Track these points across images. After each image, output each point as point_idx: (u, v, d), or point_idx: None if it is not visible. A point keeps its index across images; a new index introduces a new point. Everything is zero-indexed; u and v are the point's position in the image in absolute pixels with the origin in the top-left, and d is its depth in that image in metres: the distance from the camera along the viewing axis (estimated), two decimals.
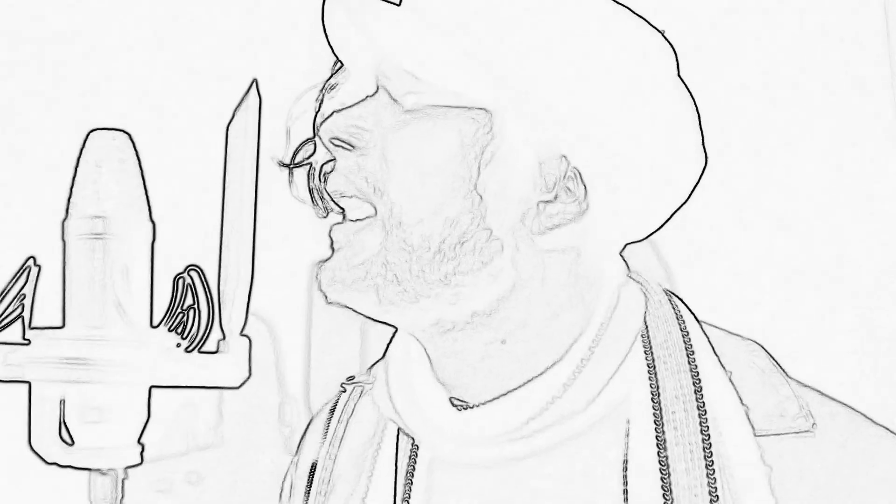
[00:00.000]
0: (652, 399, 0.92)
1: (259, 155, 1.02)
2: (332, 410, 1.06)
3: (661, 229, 1.00)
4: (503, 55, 0.91)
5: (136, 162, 1.01)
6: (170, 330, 0.99)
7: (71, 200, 1.00)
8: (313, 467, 1.03)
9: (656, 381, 0.92)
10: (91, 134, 1.01)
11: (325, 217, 0.99)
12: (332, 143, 0.94)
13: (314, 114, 0.99)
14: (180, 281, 0.99)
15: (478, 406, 0.93)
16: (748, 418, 0.92)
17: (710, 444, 0.90)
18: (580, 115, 0.91)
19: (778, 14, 1.30)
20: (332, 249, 0.94)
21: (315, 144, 1.00)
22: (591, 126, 0.91)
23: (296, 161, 1.01)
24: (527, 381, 0.93)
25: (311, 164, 1.01)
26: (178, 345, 0.99)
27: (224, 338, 1.00)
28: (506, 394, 0.93)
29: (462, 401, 0.95)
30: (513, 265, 0.91)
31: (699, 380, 0.93)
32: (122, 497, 1.00)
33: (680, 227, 1.02)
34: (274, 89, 1.15)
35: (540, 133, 0.90)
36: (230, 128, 1.03)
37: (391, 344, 1.01)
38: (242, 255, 1.01)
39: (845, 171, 1.28)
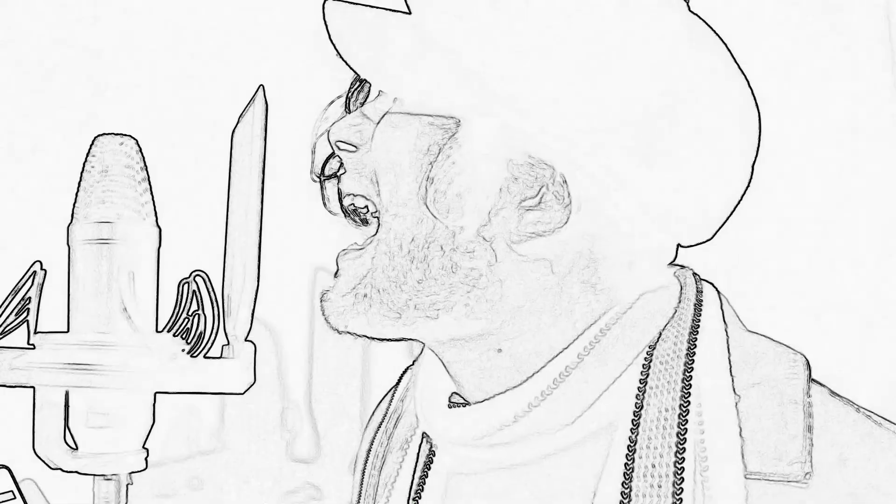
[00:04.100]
0: (633, 422, 0.87)
1: (265, 161, 1.02)
2: (395, 390, 1.06)
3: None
4: (469, 64, 0.90)
5: (143, 167, 1.01)
6: (175, 335, 0.98)
7: (77, 205, 1.00)
8: (372, 441, 1.04)
9: (641, 402, 0.87)
10: (98, 138, 1.01)
11: (365, 226, 0.99)
12: (339, 147, 0.95)
13: None
14: (185, 286, 0.99)
15: (469, 406, 0.93)
16: (742, 455, 0.85)
17: (683, 479, 0.84)
18: (558, 123, 0.88)
19: (779, 12, 1.30)
20: (335, 277, 0.95)
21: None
22: (572, 134, 0.88)
23: (324, 174, 1.02)
24: (513, 386, 0.91)
25: (339, 177, 1.01)
26: (184, 350, 0.98)
27: (229, 343, 1.00)
28: (492, 397, 0.92)
29: (464, 399, 0.94)
30: (492, 273, 0.89)
31: (688, 402, 0.87)
32: (126, 502, 1.00)
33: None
34: (280, 95, 1.15)
35: (513, 141, 0.89)
36: (236, 134, 1.03)
37: None
38: (248, 261, 1.01)
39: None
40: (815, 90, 1.29)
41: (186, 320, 0.98)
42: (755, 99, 0.93)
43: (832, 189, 1.28)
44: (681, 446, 0.85)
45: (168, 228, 1.03)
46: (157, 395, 1.00)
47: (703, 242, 0.95)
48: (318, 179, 1.01)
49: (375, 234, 0.93)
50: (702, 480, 0.84)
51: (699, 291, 0.93)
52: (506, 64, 0.89)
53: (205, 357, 0.99)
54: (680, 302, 0.92)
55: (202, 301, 0.99)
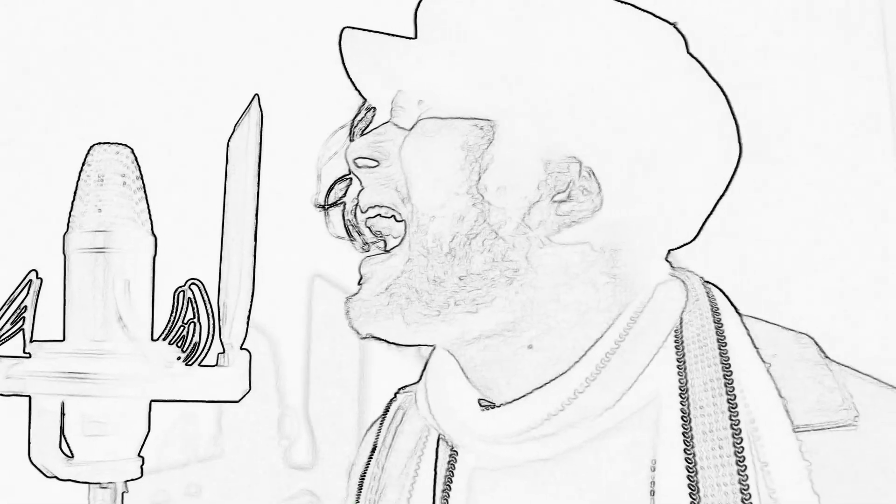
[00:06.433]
0: (680, 394, 0.93)
1: (260, 169, 1.03)
2: (383, 419, 1.09)
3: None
4: (501, 72, 0.95)
5: (138, 175, 1.01)
6: (170, 343, 0.99)
7: (72, 214, 1.00)
8: (363, 475, 1.06)
9: (685, 376, 0.93)
10: (93, 147, 1.01)
11: (366, 251, 1.01)
12: (357, 164, 0.99)
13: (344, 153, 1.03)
14: (181, 294, 0.99)
15: (503, 405, 0.95)
16: (787, 412, 0.91)
17: (742, 438, 0.90)
18: (583, 118, 0.94)
19: (774, 11, 1.30)
20: (360, 284, 0.97)
21: (348, 182, 1.05)
22: (595, 128, 0.94)
23: (329, 200, 1.04)
24: (551, 379, 0.94)
25: (344, 202, 1.03)
26: (179, 358, 0.99)
27: (224, 351, 1.00)
28: (530, 392, 0.95)
29: (490, 402, 0.97)
30: (529, 265, 0.93)
31: (730, 372, 0.93)
32: None
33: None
34: (275, 105, 1.15)
35: (544, 138, 0.94)
36: (231, 142, 1.03)
37: (432, 353, 1.04)
38: (243, 269, 1.01)
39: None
40: (810, 89, 1.29)
41: (182, 328, 0.99)
42: (735, 119, 1.01)
43: (826, 191, 1.28)
44: (733, 410, 0.91)
45: (163, 237, 1.03)
46: (153, 402, 1.00)
47: (688, 244, 1.02)
48: (323, 207, 1.04)
49: (403, 240, 0.96)
50: (755, 439, 0.90)
51: (705, 282, 0.99)
52: (538, 72, 0.95)
53: (200, 365, 0.99)
54: (688, 291, 0.97)
55: (198, 309, 0.99)
